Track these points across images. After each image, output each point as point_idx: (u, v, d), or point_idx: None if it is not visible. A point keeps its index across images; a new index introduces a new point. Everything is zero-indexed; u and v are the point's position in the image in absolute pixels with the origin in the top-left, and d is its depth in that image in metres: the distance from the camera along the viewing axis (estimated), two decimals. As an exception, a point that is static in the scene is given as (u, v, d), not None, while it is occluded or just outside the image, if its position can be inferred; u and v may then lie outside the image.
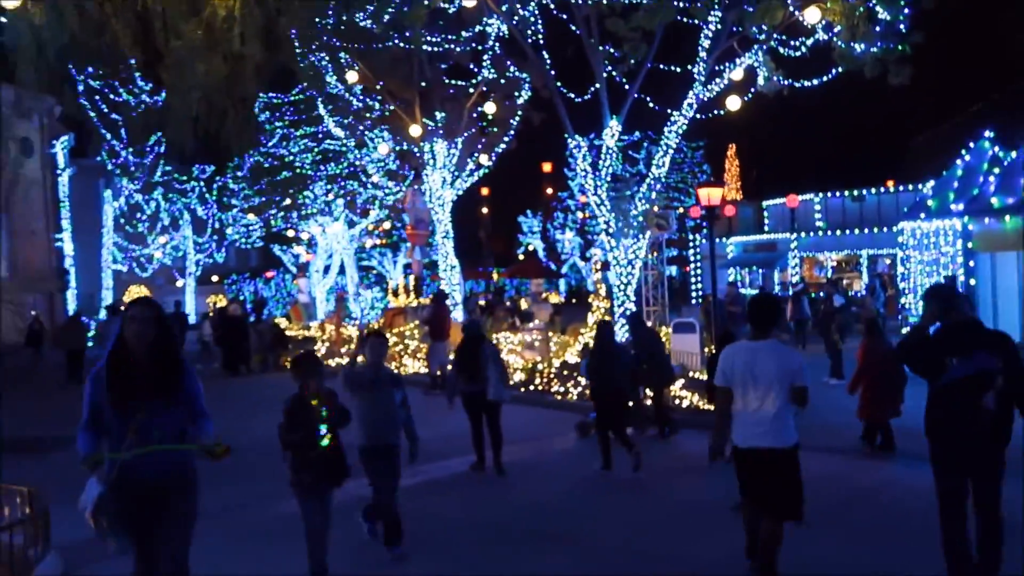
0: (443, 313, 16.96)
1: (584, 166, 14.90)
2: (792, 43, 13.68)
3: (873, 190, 31.62)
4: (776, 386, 5.35)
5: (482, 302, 29.52)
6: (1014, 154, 15.87)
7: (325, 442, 5.73)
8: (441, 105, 18.57)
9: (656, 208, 15.23)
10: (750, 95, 14.48)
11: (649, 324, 20.48)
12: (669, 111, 14.48)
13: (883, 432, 9.90)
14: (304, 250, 38.24)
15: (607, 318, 15.12)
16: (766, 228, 35.72)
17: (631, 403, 11.66)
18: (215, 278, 48.82)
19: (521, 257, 54.85)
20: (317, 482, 5.82)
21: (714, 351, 11.74)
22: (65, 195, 39.62)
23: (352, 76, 16.84)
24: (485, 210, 49.03)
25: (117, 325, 4.54)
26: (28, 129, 34.83)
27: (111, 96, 37.47)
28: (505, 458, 9.83)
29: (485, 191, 48.38)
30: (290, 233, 36.81)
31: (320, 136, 28.60)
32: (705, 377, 13.43)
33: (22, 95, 32.78)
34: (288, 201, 31.91)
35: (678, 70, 14.53)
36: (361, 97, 18.12)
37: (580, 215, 46.59)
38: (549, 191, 46.33)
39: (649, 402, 12.19)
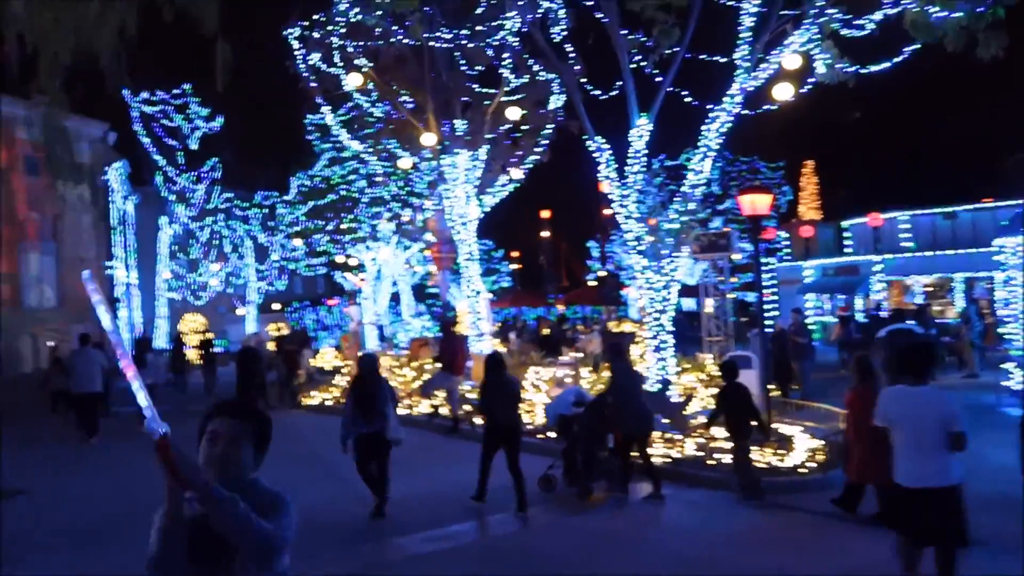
0: (455, 344, 14.97)
1: (608, 172, 12.76)
2: (855, 22, 11.33)
3: (968, 207, 28.40)
4: (934, 430, 5.62)
5: (546, 331, 27.47)
6: None
7: None
8: (462, 112, 16.68)
9: (692, 220, 12.91)
10: (808, 86, 12.15)
11: (708, 358, 18.18)
12: (708, 107, 12.25)
13: (879, 495, 7.78)
14: (356, 277, 36.94)
15: (497, 350, 13.52)
16: (847, 250, 32.74)
17: (604, 453, 10.01)
18: (276, 306, 48.08)
19: (594, 283, 52.57)
20: None
21: (771, 383, 9.78)
22: (129, 222, 39.51)
23: (355, 79, 15.10)
24: (547, 233, 47.05)
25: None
26: (79, 155, 34.48)
27: (165, 122, 37.15)
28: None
29: (546, 213, 46.43)
30: (340, 259, 35.60)
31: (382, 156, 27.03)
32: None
33: (74, 121, 32.50)
34: (331, 226, 30.60)
35: (721, 60, 12.32)
36: (367, 101, 16.29)
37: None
38: (607, 211, 44.10)
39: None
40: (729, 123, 12.32)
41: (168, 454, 2.41)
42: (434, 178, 20.56)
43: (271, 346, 25.38)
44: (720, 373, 10.38)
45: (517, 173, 18.04)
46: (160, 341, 36.90)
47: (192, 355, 29.42)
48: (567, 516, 9.36)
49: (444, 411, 15.67)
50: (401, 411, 16.34)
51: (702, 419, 12.54)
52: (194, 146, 38.15)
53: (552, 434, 11.62)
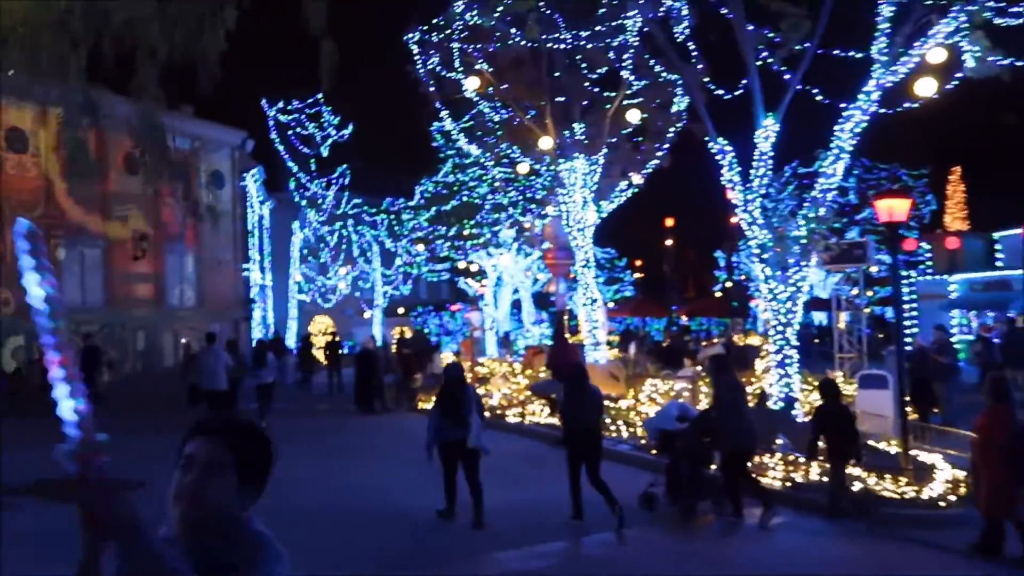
0: (566, 351, 14.57)
1: (731, 175, 12.09)
2: (1011, 10, 10.29)
3: None
4: None
5: (666, 342, 26.78)
6: None
7: None
8: (581, 116, 16.29)
9: (823, 228, 12.04)
10: (954, 82, 11.14)
11: (839, 376, 17.09)
12: (842, 106, 11.41)
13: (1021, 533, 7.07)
14: (478, 283, 37.12)
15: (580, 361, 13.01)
16: (998, 263, 30.37)
17: (710, 471, 9.61)
18: (401, 310, 48.99)
19: (719, 294, 51.14)
20: None
21: (910, 405, 9.13)
22: (265, 226, 41.21)
23: (473, 82, 14.97)
24: (670, 242, 45.90)
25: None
26: (219, 162, 36.19)
27: (299, 130, 38.46)
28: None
29: (670, 222, 45.31)
30: (461, 264, 35.85)
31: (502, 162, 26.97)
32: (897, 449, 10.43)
33: (214, 129, 34.19)
34: (453, 231, 30.83)
35: (856, 55, 11.47)
36: (488, 106, 16.14)
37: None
38: (734, 220, 42.63)
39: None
40: (864, 123, 11.45)
41: (85, 489, 1.72)
42: (552, 183, 20.32)
43: (393, 349, 25.82)
44: (820, 393, 9.73)
45: (637, 178, 17.51)
46: (290, 341, 38.22)
47: (319, 355, 30.32)
48: (672, 537, 8.90)
49: (552, 420, 15.28)
50: (512, 419, 16.14)
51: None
52: (325, 153, 39.33)
53: (654, 451, 11.23)
